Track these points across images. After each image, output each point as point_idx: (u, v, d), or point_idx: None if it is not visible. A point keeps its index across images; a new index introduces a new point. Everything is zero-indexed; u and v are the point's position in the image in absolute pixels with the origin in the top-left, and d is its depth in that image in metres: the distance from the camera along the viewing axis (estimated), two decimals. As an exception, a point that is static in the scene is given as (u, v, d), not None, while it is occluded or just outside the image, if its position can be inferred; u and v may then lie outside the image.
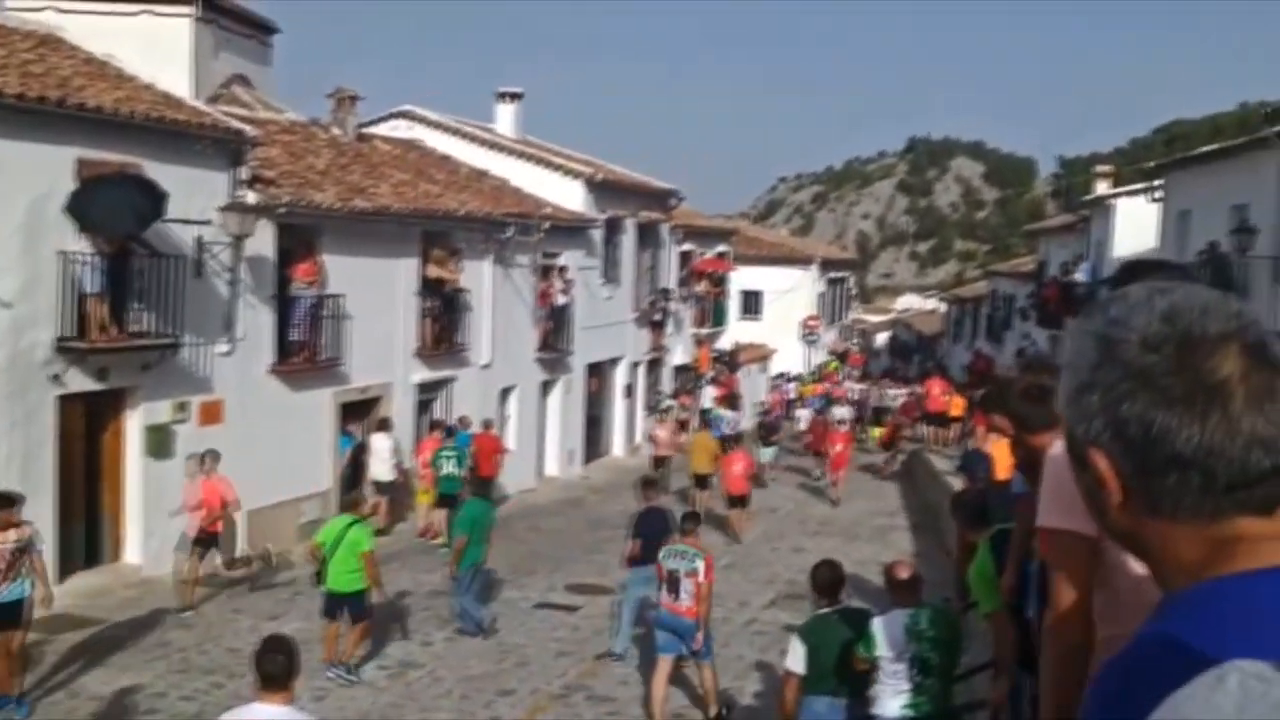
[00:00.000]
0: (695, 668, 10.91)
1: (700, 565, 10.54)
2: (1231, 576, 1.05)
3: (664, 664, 10.73)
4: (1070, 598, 2.15)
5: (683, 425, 27.51)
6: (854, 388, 38.09)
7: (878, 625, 7.57)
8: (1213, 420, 1.06)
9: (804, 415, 32.86)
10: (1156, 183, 25.83)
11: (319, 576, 11.91)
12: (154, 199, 14.03)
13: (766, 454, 26.70)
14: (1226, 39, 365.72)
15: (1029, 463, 3.57)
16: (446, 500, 17.90)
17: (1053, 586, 2.38)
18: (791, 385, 39.71)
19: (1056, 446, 2.71)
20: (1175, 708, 0.96)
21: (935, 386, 30.67)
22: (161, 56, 19.38)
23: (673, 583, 10.56)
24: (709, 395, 33.16)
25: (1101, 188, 34.04)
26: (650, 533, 12.35)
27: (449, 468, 18.27)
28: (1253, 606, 1.01)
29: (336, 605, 11.74)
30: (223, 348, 16.45)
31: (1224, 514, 1.07)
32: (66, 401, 14.20)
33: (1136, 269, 3.26)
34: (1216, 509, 1.07)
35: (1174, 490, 1.08)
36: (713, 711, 10.80)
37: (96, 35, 17.39)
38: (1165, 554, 1.12)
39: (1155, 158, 35.53)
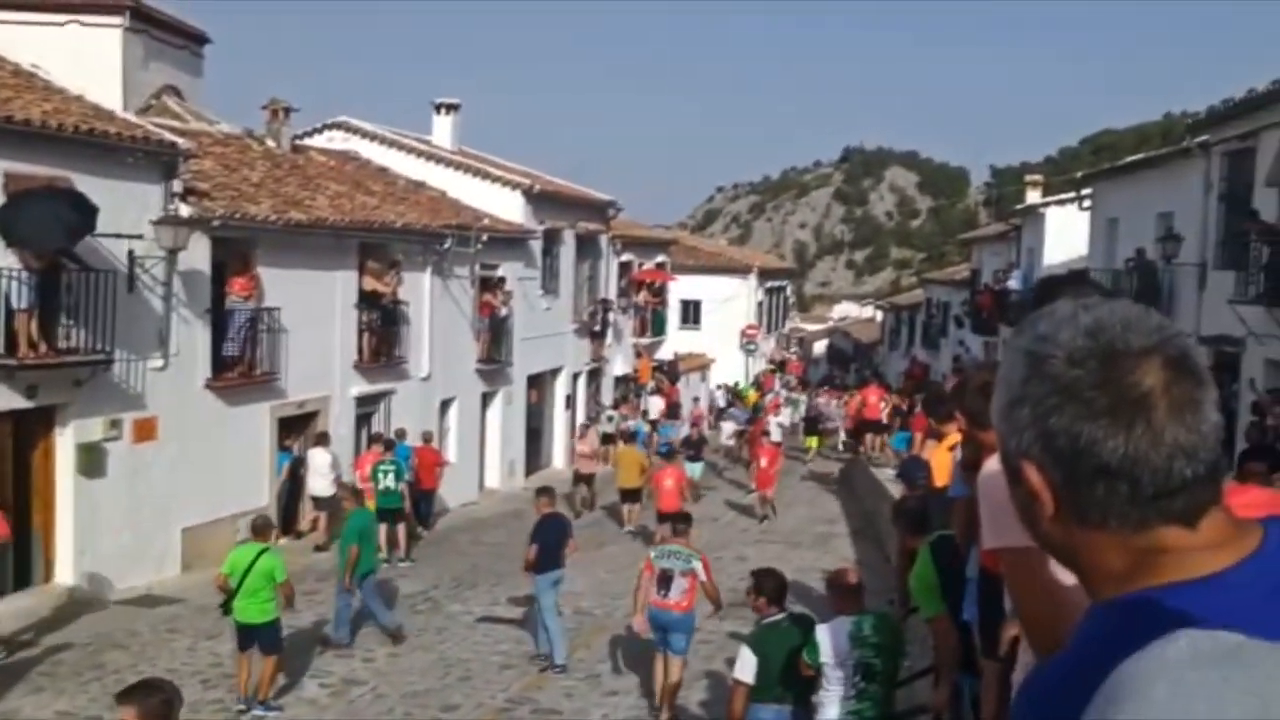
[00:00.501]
0: (666, 661, 11.13)
1: (697, 565, 10.87)
2: (1159, 588, 1.09)
3: (661, 657, 11.17)
4: (1035, 610, 2.20)
5: (611, 439, 27.62)
6: (793, 398, 38.37)
7: (822, 632, 7.64)
8: (1137, 431, 1.10)
9: (727, 428, 33.48)
10: (1085, 192, 26.36)
11: (225, 607, 11.32)
12: (84, 213, 13.77)
13: (694, 469, 25.47)
14: (1151, 51, 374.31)
15: (978, 461, 3.62)
16: (386, 514, 17.78)
17: (1016, 603, 2.42)
18: (719, 393, 40.22)
19: (989, 466, 2.77)
20: (1127, 670, 0.99)
21: (872, 394, 31.01)
22: (90, 67, 19.08)
23: (664, 580, 10.80)
24: (652, 406, 33.27)
25: (1032, 197, 34.67)
26: (548, 540, 12.73)
27: (388, 481, 18.16)
28: (1182, 618, 1.04)
29: (249, 638, 11.20)
30: (156, 363, 16.18)
31: (1150, 524, 1.11)
32: (-6, 419, 13.89)
33: (1053, 285, 3.34)
34: (1143, 518, 1.11)
35: (1102, 500, 1.12)
36: (664, 716, 10.94)
37: (23, 46, 17.08)
38: (1094, 563, 1.16)
39: (1083, 167, 36.28)
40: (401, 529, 18.56)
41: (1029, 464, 1.16)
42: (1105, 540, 1.13)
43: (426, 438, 21.28)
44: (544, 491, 13.76)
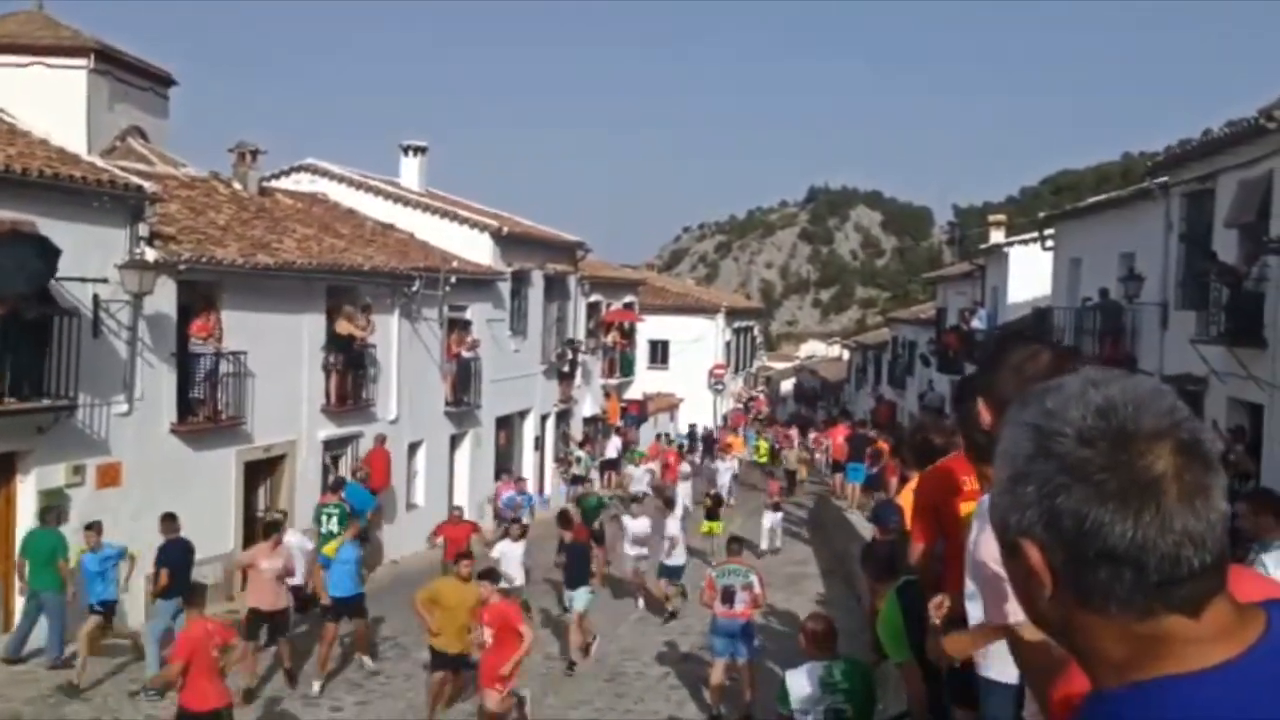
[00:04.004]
0: (741, 666, 12.87)
1: (754, 579, 13.05)
2: (1162, 680, 1.07)
3: (720, 665, 12.89)
4: (1032, 672, 2.22)
5: (580, 480, 27.66)
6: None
7: (791, 678, 7.63)
8: (1146, 517, 1.07)
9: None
10: (1048, 232, 26.69)
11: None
12: (46, 256, 13.67)
13: (581, 600, 15.87)
14: (1108, 92, 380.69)
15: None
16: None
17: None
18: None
19: (983, 549, 2.76)
20: None
21: (839, 434, 31.08)
22: (55, 108, 19.01)
23: (728, 595, 12.80)
24: (610, 446, 33.26)
25: (996, 236, 35.06)
26: (175, 563, 13.61)
27: (330, 525, 17.44)
28: (1187, 713, 1.04)
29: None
30: (121, 408, 16.00)
31: (1153, 612, 1.09)
32: (-45, 467, 13.68)
33: (1008, 341, 3.37)
34: (1146, 606, 1.09)
35: (1105, 585, 1.09)
36: (747, 696, 12.62)
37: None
38: (1092, 647, 1.13)
39: (1044, 206, 36.87)
40: None
41: (1029, 543, 1.13)
42: (1105, 625, 1.11)
43: (380, 440, 21.59)
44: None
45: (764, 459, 37.54)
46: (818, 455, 37.03)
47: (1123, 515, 1.07)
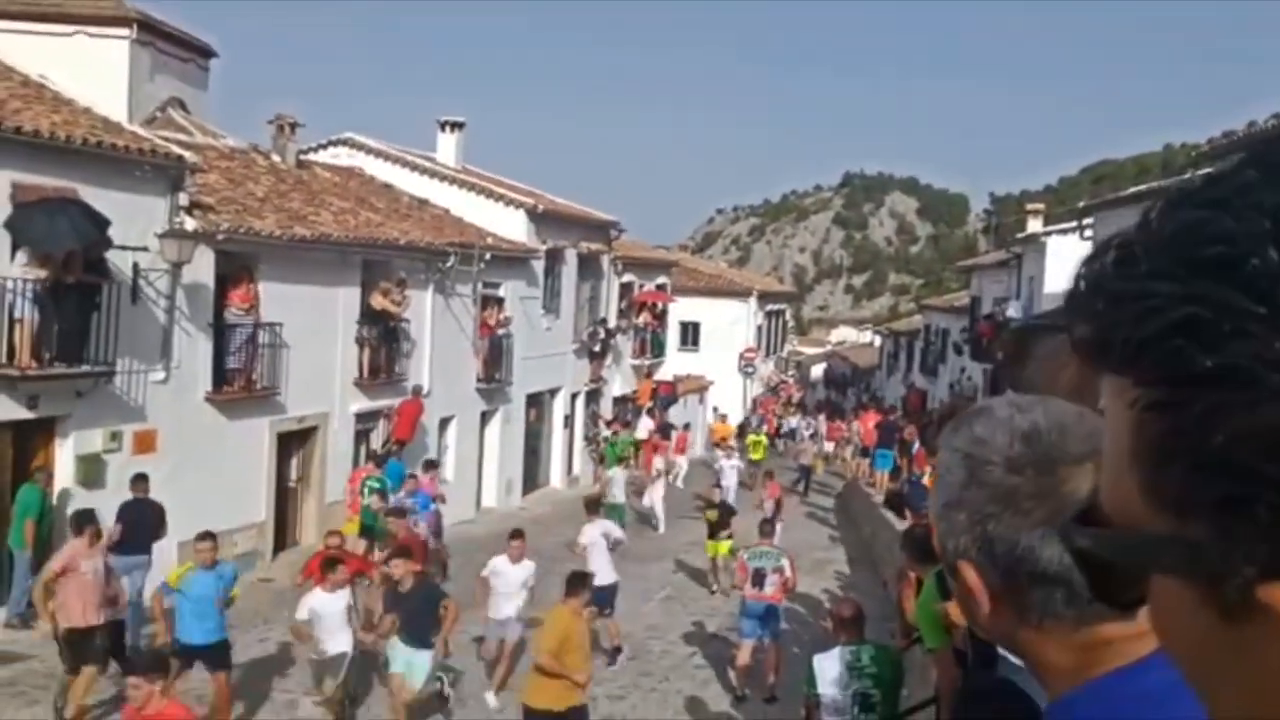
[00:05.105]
0: (767, 647, 12.94)
1: (785, 563, 13.04)
2: (1110, 673, 1.10)
3: (748, 646, 12.90)
4: None
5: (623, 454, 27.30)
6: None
7: (819, 662, 7.64)
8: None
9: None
10: (1087, 221, 26.43)
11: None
12: (96, 225, 13.87)
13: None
14: (1150, 83, 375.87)
15: None
16: (368, 531, 17.67)
17: None
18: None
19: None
20: None
21: (869, 420, 31.02)
22: (96, 79, 19.13)
23: (758, 577, 12.80)
24: (642, 426, 33.31)
25: (1033, 225, 34.75)
26: (131, 520, 13.32)
27: (372, 499, 17.76)
28: (1140, 691, 1.06)
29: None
30: (158, 376, 16.18)
31: (1088, 621, 1.11)
32: (-5, 430, 13.88)
33: (1036, 332, 3.34)
34: (1081, 617, 1.11)
35: (1040, 603, 1.12)
36: (770, 679, 12.75)
37: (30, 57, 17.13)
38: (1040, 659, 1.16)
39: (1083, 195, 36.47)
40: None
41: (966, 564, 1.16)
42: (1046, 639, 1.14)
43: (416, 391, 21.82)
44: (137, 479, 14.03)
45: (760, 456, 31.06)
46: (828, 447, 36.00)
47: (1050, 540, 1.10)
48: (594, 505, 16.04)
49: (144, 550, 13.40)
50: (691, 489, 28.21)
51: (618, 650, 14.24)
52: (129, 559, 12.93)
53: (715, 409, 41.57)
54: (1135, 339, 0.61)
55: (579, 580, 10.34)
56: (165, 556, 16.36)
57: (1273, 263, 0.56)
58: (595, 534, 14.69)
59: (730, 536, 17.93)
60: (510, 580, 12.70)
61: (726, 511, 18.51)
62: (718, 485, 21.41)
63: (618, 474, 23.72)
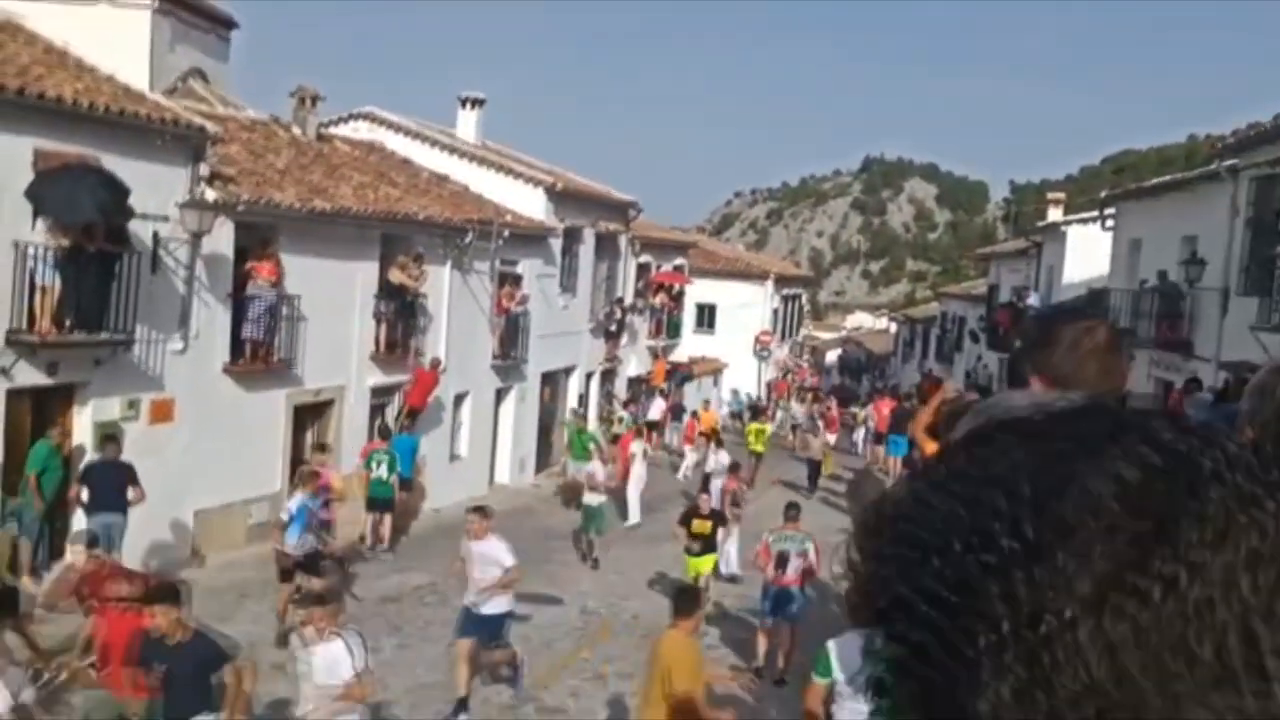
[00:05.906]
0: (780, 629, 13.09)
1: (810, 547, 12.92)
2: None
3: (766, 628, 13.17)
4: None
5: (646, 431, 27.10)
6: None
7: (833, 646, 7.60)
8: None
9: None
10: (1108, 211, 26.27)
11: None
12: (116, 193, 13.87)
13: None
14: (1174, 73, 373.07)
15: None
16: (375, 503, 18.07)
17: None
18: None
19: None
20: None
21: (884, 407, 30.95)
22: (118, 48, 19.06)
23: (781, 561, 12.75)
24: (654, 407, 33.27)
25: (1054, 214, 34.56)
26: (93, 481, 13.72)
27: (380, 471, 18.20)
28: None
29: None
30: (176, 345, 16.23)
31: None
32: (14, 396, 13.94)
33: (1061, 316, 3.29)
34: None
35: None
36: (780, 662, 12.91)
37: (52, 25, 17.11)
38: None
39: (1104, 186, 36.20)
40: (387, 520, 18.58)
41: None
42: None
43: (434, 363, 21.77)
44: (108, 439, 14.21)
45: (760, 448, 28.60)
46: (829, 438, 34.77)
47: None
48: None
49: (116, 509, 13.67)
50: (678, 489, 27.77)
51: (515, 668, 12.15)
52: (103, 517, 13.31)
53: (734, 390, 41.53)
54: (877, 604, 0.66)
55: (691, 598, 8.93)
56: (182, 527, 16.55)
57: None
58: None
59: (714, 550, 15.87)
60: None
61: (717, 520, 16.06)
62: (705, 491, 18.13)
63: (596, 468, 19.93)
